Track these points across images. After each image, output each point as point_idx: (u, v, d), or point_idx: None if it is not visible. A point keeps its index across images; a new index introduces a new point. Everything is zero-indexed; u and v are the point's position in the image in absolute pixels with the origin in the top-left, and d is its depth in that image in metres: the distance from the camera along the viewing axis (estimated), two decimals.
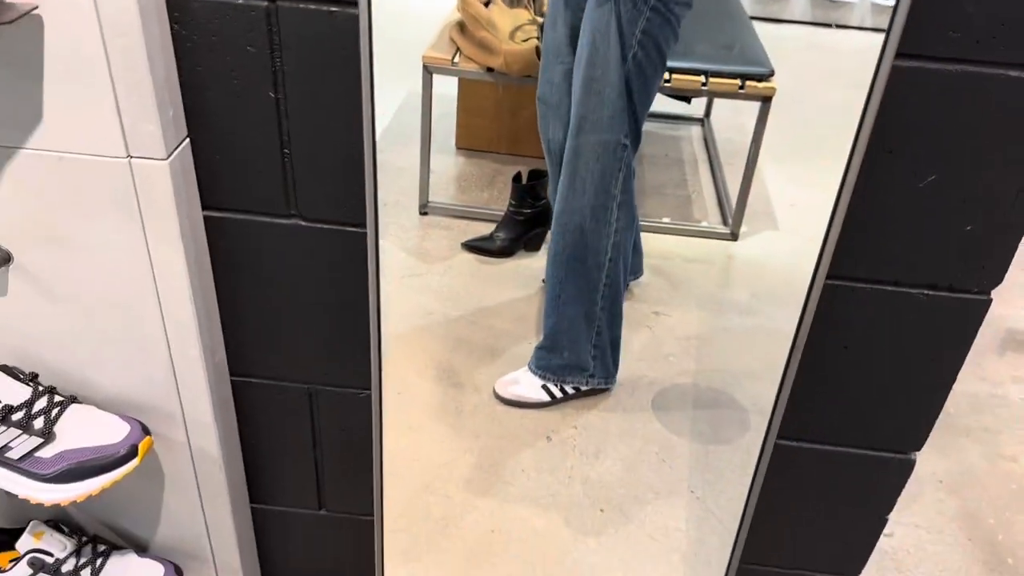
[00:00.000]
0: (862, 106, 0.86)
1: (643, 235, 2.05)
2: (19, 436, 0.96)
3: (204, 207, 0.98)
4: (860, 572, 1.24)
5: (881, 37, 0.82)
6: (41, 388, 1.00)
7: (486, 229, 2.23)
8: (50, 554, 1.09)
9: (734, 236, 2.26)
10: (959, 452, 1.85)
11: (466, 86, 2.53)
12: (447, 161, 2.58)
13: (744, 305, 2.09)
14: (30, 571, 1.07)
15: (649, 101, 1.62)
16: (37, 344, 1.03)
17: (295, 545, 1.31)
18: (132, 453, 1.00)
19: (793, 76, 2.21)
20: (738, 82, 2.11)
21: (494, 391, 1.79)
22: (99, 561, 1.13)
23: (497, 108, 2.53)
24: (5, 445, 0.96)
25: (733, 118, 2.68)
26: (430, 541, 1.49)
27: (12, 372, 1.00)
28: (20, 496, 0.97)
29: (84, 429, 1.00)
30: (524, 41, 2.12)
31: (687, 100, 2.32)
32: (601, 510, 1.57)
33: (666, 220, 2.34)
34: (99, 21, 0.80)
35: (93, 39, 0.81)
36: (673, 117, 2.78)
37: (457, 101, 2.56)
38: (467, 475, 1.62)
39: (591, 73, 1.56)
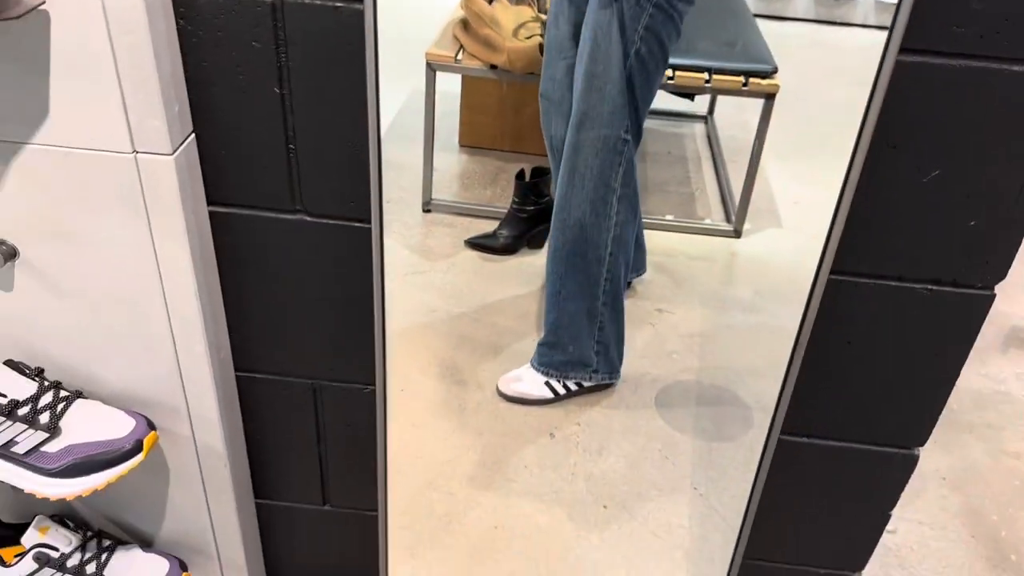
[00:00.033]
0: (866, 103, 0.86)
1: (646, 232, 2.05)
2: (25, 431, 0.97)
3: (209, 202, 0.99)
4: (863, 568, 1.24)
5: (884, 35, 0.83)
6: (47, 383, 1.01)
7: (489, 226, 2.23)
8: (55, 549, 1.09)
9: (737, 233, 2.26)
10: (962, 449, 1.85)
11: (469, 83, 2.53)
12: (450, 159, 2.58)
13: (747, 302, 2.09)
14: (35, 566, 1.07)
15: (651, 97, 1.62)
16: (43, 339, 1.03)
17: (299, 540, 1.31)
18: (137, 448, 1.01)
19: (797, 73, 2.21)
20: (741, 79, 2.11)
21: (497, 388, 1.79)
22: (104, 556, 1.13)
23: (500, 105, 2.53)
24: (11, 440, 0.96)
25: (736, 115, 2.68)
26: (433, 537, 1.50)
27: (18, 367, 1.01)
28: (26, 490, 0.97)
29: (90, 424, 1.00)
30: (527, 38, 2.12)
31: (690, 97, 2.32)
32: (604, 507, 1.57)
33: (669, 217, 2.34)
34: (106, 17, 0.81)
35: (99, 35, 0.82)
36: (676, 114, 2.78)
37: (460, 99, 2.56)
38: (470, 472, 1.62)
39: (592, 69, 1.57)
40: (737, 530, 1.20)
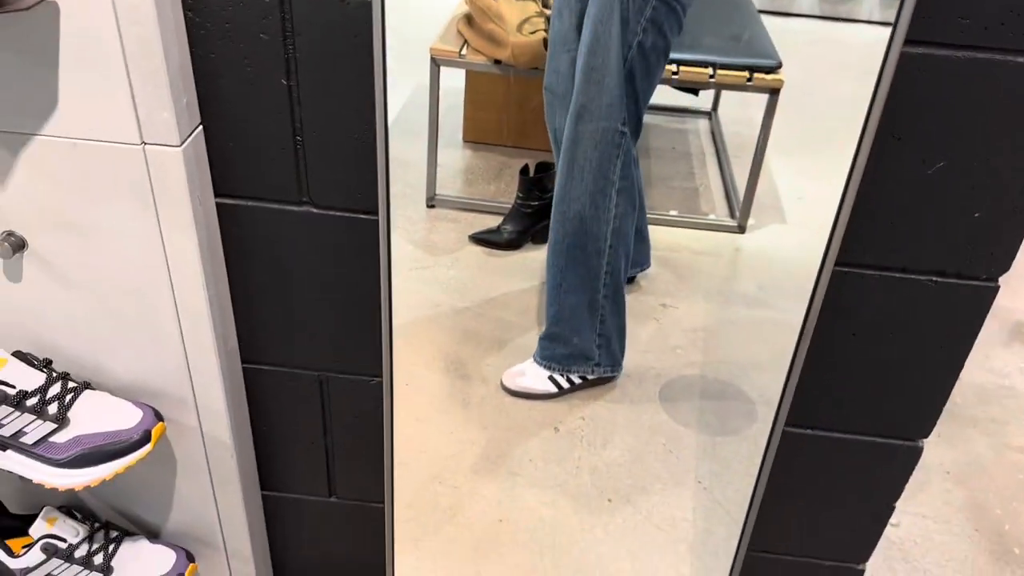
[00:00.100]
0: (870, 96, 0.86)
1: (650, 227, 2.05)
2: (33, 421, 0.97)
3: (217, 194, 0.99)
4: (867, 560, 1.25)
5: (889, 31, 0.83)
6: (55, 374, 1.01)
7: (493, 222, 2.23)
8: (63, 540, 1.10)
9: (741, 229, 2.26)
10: (966, 443, 1.86)
11: (473, 79, 2.53)
12: (454, 154, 2.58)
13: (751, 297, 2.09)
14: (43, 557, 1.08)
15: (651, 90, 1.63)
16: (51, 330, 1.04)
17: (306, 532, 1.32)
18: (145, 439, 1.01)
19: (801, 69, 2.20)
20: (746, 74, 2.10)
21: (501, 383, 1.80)
22: (112, 547, 1.14)
23: (505, 101, 2.53)
24: (19, 430, 0.97)
25: (741, 111, 2.67)
26: (438, 530, 1.50)
27: (26, 358, 1.01)
28: (35, 481, 0.98)
29: (98, 415, 1.01)
30: (532, 33, 2.12)
31: (695, 92, 2.32)
32: (608, 500, 1.58)
33: (673, 213, 2.34)
34: (114, 8, 0.81)
35: (108, 26, 0.82)
36: (680, 110, 2.78)
37: (464, 94, 2.56)
38: (475, 465, 1.62)
39: (592, 62, 1.57)
40: (741, 523, 1.21)
